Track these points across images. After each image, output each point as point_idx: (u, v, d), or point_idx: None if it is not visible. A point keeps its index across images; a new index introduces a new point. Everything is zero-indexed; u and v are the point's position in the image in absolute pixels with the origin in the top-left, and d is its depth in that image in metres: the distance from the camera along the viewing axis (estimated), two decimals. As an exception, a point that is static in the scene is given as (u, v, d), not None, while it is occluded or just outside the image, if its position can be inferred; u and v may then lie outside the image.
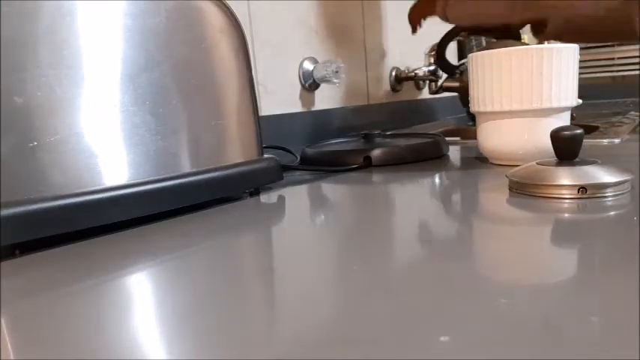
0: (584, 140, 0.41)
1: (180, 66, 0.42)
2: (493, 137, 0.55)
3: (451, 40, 0.90)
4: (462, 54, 1.59)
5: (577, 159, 0.41)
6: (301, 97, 0.93)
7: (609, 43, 1.93)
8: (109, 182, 0.38)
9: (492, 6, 0.79)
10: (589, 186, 0.38)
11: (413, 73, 1.26)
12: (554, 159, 0.42)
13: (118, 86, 0.38)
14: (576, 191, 0.38)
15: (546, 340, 0.18)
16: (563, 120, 0.53)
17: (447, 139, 0.74)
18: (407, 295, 0.23)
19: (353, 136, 0.86)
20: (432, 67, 1.17)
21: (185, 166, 0.43)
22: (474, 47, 1.45)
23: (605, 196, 0.38)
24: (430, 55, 1.15)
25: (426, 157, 0.66)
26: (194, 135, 0.44)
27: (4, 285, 0.29)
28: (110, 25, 0.38)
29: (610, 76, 1.97)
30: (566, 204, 0.37)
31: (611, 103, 1.53)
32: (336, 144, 0.78)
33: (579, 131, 0.40)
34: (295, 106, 0.92)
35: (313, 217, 0.40)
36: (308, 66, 0.93)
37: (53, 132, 0.35)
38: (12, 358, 0.20)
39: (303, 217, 0.41)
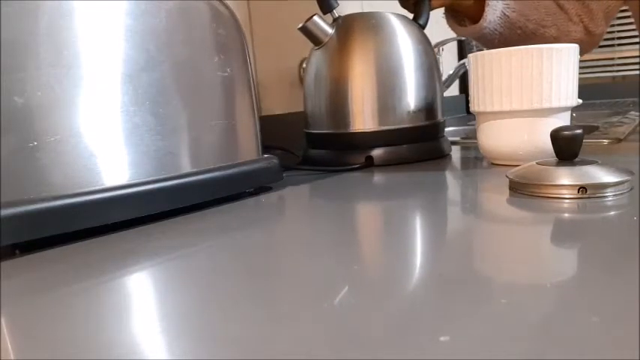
0: (584, 140, 0.41)
1: (180, 66, 0.42)
2: (493, 137, 0.55)
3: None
4: (461, 54, 1.60)
5: (577, 159, 0.41)
6: (301, 97, 0.93)
7: (609, 43, 1.93)
8: (109, 182, 0.38)
9: None
10: (589, 186, 0.38)
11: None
12: (554, 159, 0.42)
13: (118, 86, 0.38)
14: (576, 191, 0.38)
15: (546, 340, 0.18)
16: (563, 120, 0.53)
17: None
18: (407, 294, 0.23)
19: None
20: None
21: (185, 166, 0.43)
22: (474, 47, 1.46)
23: (605, 196, 0.38)
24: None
25: (427, 157, 0.66)
26: (194, 135, 0.44)
27: (4, 285, 0.29)
28: (110, 25, 0.38)
29: (610, 76, 1.97)
30: (566, 204, 0.37)
31: (611, 103, 1.53)
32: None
33: (579, 131, 0.40)
34: (295, 106, 0.92)
35: (313, 217, 0.40)
36: (308, 66, 0.93)
37: (53, 132, 0.35)
38: (12, 358, 0.20)
39: (303, 217, 0.41)
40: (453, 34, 0.92)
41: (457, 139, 0.84)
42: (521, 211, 0.37)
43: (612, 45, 1.94)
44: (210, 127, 0.45)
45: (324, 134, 0.66)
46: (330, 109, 0.65)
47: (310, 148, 0.70)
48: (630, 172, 0.39)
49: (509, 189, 0.43)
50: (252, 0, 0.83)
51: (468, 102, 0.72)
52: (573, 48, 0.52)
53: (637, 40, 1.87)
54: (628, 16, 1.79)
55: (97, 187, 0.37)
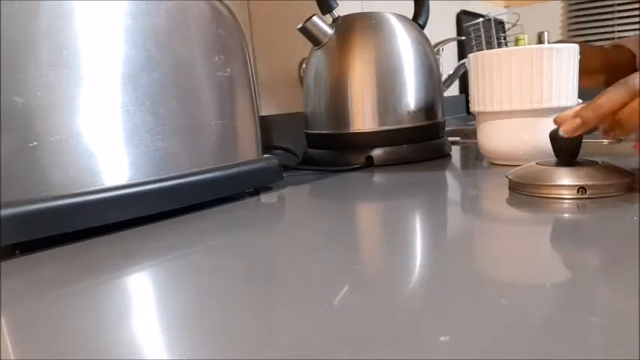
0: (584, 140, 0.41)
1: (180, 66, 0.42)
2: (493, 137, 0.55)
3: None
4: (461, 54, 1.60)
5: (577, 159, 0.41)
6: (301, 97, 0.93)
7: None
8: (109, 182, 0.38)
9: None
10: (589, 186, 0.38)
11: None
12: (554, 159, 0.42)
13: (118, 86, 0.38)
14: (576, 191, 0.38)
15: (546, 340, 0.18)
16: (563, 120, 0.53)
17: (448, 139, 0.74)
18: (407, 294, 0.23)
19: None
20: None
21: (185, 166, 0.43)
22: (474, 47, 1.45)
23: (605, 196, 0.38)
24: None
25: (427, 157, 0.66)
26: (194, 135, 0.43)
27: (4, 285, 0.29)
28: (110, 25, 0.38)
29: (610, 76, 1.96)
30: (566, 204, 0.37)
31: (611, 103, 1.53)
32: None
33: (579, 131, 0.40)
34: (295, 106, 0.92)
35: (313, 217, 0.40)
36: (308, 66, 0.93)
37: (53, 132, 0.35)
38: (12, 358, 0.20)
39: (303, 217, 0.41)
40: (453, 34, 0.92)
41: (457, 139, 0.84)
42: (521, 211, 0.37)
43: (612, 45, 1.93)
44: (210, 127, 0.45)
45: (324, 134, 0.66)
46: (330, 110, 0.65)
47: (310, 148, 0.70)
48: (630, 172, 0.39)
49: (509, 189, 0.43)
50: (252, 0, 0.83)
51: (468, 102, 0.72)
52: (573, 48, 0.52)
53: (637, 40, 1.86)
54: (628, 16, 1.79)
55: (97, 187, 0.37)
